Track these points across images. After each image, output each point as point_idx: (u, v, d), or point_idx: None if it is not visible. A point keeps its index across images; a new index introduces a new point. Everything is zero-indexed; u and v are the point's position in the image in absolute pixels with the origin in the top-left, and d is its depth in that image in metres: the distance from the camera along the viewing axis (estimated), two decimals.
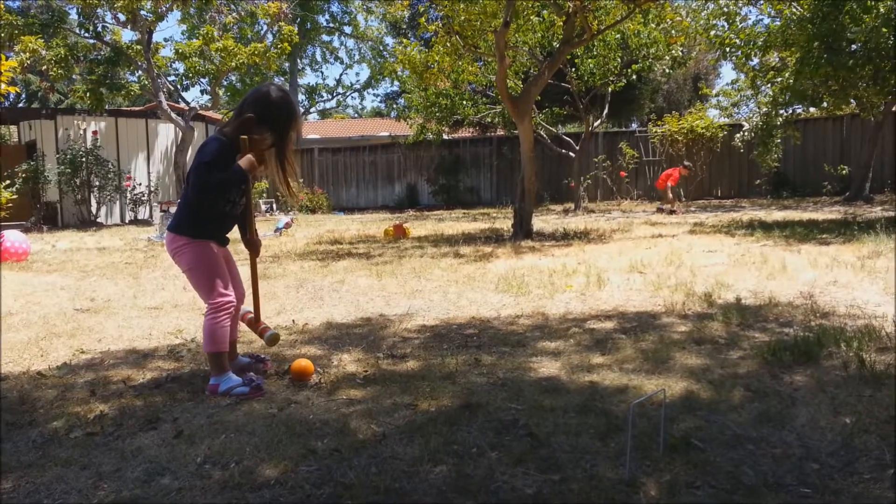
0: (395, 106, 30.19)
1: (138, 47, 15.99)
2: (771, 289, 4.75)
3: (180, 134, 16.70)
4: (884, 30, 8.61)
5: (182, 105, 18.52)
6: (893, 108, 14.37)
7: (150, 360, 3.50)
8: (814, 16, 9.45)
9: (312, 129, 34.74)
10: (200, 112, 18.19)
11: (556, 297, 4.87)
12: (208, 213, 2.98)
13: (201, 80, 17.08)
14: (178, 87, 17.57)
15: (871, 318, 3.79)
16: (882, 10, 8.85)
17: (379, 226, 12.65)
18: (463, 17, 9.16)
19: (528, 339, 3.68)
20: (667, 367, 3.05)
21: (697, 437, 2.25)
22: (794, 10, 11.19)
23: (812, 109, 15.42)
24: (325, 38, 36.21)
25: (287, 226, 11.99)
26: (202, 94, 19.23)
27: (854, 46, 9.25)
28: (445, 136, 19.53)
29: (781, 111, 14.03)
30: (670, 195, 13.96)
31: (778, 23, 11.52)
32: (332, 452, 2.24)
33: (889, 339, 3.27)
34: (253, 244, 3.20)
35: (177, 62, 17.01)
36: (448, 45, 9.84)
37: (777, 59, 13.11)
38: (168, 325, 4.34)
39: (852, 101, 12.72)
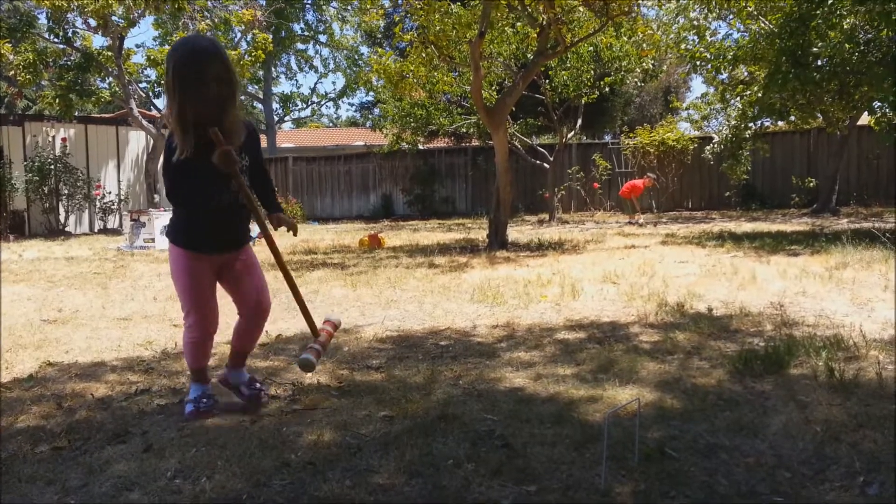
0: (370, 116, 30.14)
1: (109, 53, 15.75)
2: (741, 299, 4.82)
3: (151, 141, 16.47)
4: (847, 45, 8.84)
5: (154, 112, 18.27)
6: (858, 123, 14.72)
7: (119, 373, 3.43)
8: (781, 31, 9.67)
9: (287, 137, 34.56)
10: None
11: (530, 307, 4.88)
12: (186, 214, 2.76)
13: None
14: (150, 93, 17.38)
15: (840, 327, 3.85)
16: (846, 26, 9.09)
17: (354, 236, 12.59)
18: (438, 28, 9.20)
19: (503, 350, 3.68)
20: (640, 376, 3.07)
21: (671, 446, 2.26)
22: (762, 25, 11.45)
23: (780, 123, 15.72)
24: (299, 46, 36.06)
25: (260, 236, 11.87)
26: None
27: (820, 62, 9.48)
28: (420, 146, 19.54)
29: (750, 124, 14.29)
30: (637, 205, 14.16)
31: (747, 38, 11.77)
32: (305, 465, 2.21)
33: (857, 349, 3.33)
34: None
35: (148, 69, 16.80)
36: (423, 55, 9.87)
37: (746, 74, 13.36)
38: (137, 337, 4.26)
39: (819, 115, 13.02)
